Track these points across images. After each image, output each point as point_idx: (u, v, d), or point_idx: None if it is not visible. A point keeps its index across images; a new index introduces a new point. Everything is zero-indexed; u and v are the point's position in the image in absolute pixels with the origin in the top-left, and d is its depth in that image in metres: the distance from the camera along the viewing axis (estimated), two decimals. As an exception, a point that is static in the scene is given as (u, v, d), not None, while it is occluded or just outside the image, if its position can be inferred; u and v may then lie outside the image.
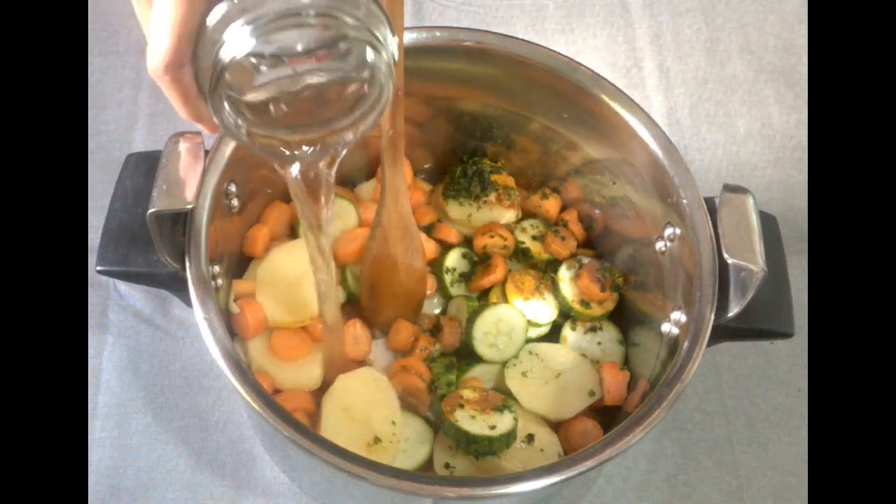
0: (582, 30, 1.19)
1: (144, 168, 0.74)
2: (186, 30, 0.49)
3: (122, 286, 0.97)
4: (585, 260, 0.92)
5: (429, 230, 0.93)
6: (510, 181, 0.96)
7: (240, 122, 0.53)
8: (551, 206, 0.95)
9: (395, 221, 0.82)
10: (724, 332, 0.74)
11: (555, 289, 0.90)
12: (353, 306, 0.89)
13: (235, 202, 0.80)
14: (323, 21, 0.49)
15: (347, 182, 0.96)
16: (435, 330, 0.89)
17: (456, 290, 0.91)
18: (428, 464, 0.81)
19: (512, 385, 0.84)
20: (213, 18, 0.49)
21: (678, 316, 0.77)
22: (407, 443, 0.80)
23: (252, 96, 0.52)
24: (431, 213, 0.94)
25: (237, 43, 0.49)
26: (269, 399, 0.66)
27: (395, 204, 0.80)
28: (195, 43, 0.50)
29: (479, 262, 0.92)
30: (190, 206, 0.70)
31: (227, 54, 0.49)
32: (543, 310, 0.89)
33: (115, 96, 1.10)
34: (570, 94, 0.83)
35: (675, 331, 0.77)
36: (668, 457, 0.93)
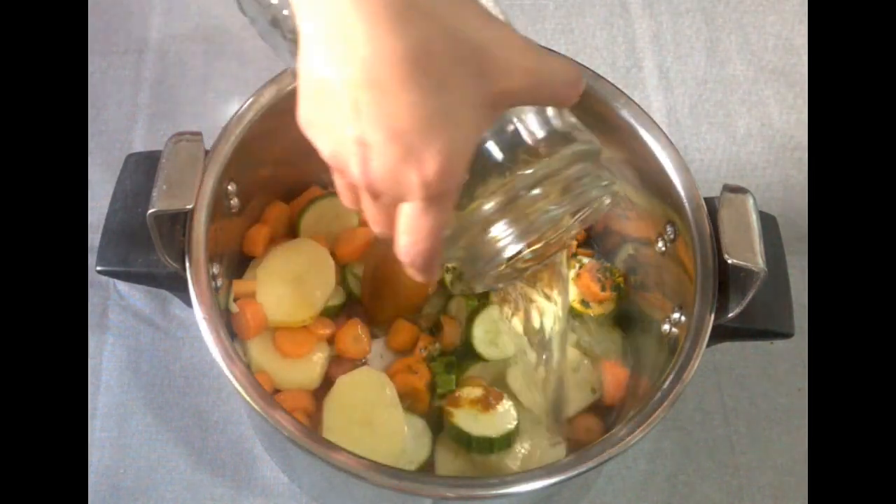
0: (582, 30, 1.19)
1: (144, 168, 0.74)
2: (443, 230, 0.51)
3: (122, 286, 0.97)
4: (585, 260, 0.92)
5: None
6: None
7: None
8: (551, 206, 0.95)
9: None
10: (724, 332, 0.74)
11: (555, 289, 0.90)
12: (353, 306, 0.89)
13: (235, 202, 0.80)
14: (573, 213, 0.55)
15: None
16: (435, 329, 0.89)
17: (456, 289, 0.91)
18: (428, 464, 0.81)
19: (513, 384, 0.84)
20: (476, 218, 0.54)
21: (678, 316, 0.77)
22: (407, 443, 0.80)
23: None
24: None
25: (507, 244, 0.54)
26: (270, 399, 0.66)
27: None
28: (450, 234, 0.54)
29: (479, 261, 0.92)
30: (190, 206, 0.70)
31: (500, 254, 0.55)
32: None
33: (115, 96, 1.10)
34: (570, 94, 0.83)
35: (675, 331, 0.77)
36: (668, 457, 0.93)
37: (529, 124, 0.55)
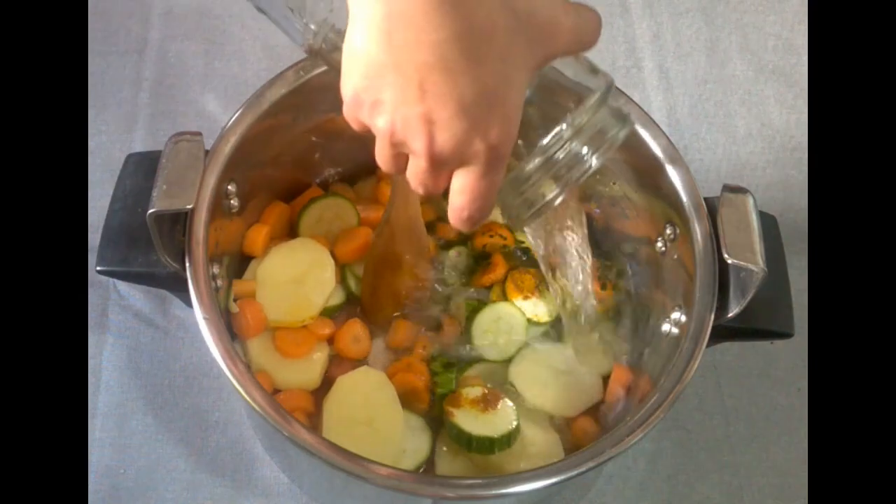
0: (582, 30, 1.19)
1: (144, 168, 0.74)
2: (497, 188, 0.56)
3: (122, 286, 0.97)
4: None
5: (429, 228, 0.93)
6: (510, 181, 0.96)
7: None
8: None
9: (403, 221, 0.82)
10: (724, 332, 0.74)
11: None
12: (352, 306, 0.89)
13: (235, 202, 0.80)
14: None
15: (347, 179, 0.96)
16: (434, 328, 0.89)
17: (455, 290, 0.91)
18: (428, 464, 0.81)
19: (516, 383, 0.84)
20: (520, 175, 0.59)
21: (678, 316, 0.77)
22: (407, 443, 0.80)
23: None
24: (430, 211, 0.94)
25: (549, 192, 0.61)
26: (270, 399, 0.66)
27: (404, 204, 0.80)
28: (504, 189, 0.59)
29: (480, 260, 0.92)
30: (190, 206, 0.70)
31: (545, 208, 0.62)
32: (544, 308, 0.89)
33: (115, 96, 1.10)
34: (570, 95, 0.83)
35: (675, 331, 0.77)
36: (668, 457, 0.93)
37: (559, 77, 0.59)
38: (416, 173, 0.55)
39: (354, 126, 0.56)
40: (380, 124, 0.52)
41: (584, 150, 0.59)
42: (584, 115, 0.58)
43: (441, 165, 0.53)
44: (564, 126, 0.57)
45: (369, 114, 0.52)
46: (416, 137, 0.51)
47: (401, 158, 0.56)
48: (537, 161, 0.58)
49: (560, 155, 0.58)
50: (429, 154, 0.51)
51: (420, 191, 0.57)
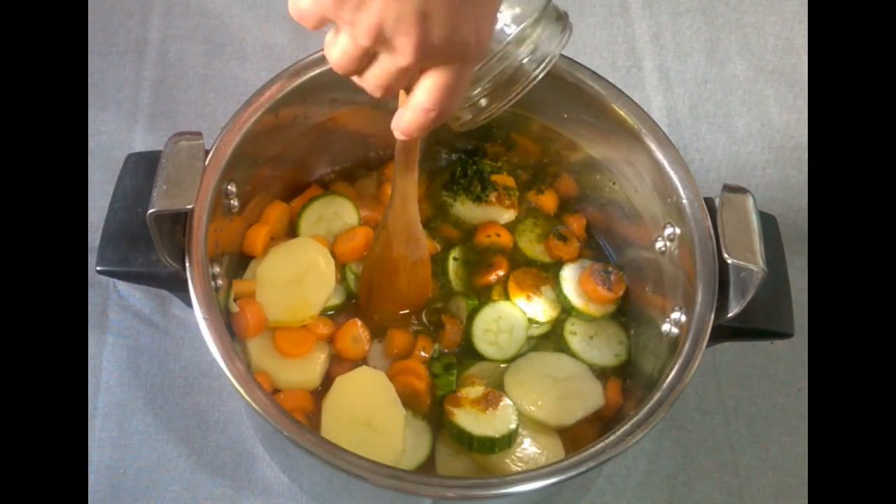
0: (582, 30, 1.19)
1: (144, 168, 0.74)
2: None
3: (122, 286, 0.97)
4: (587, 261, 0.92)
5: (430, 228, 0.93)
6: (510, 181, 0.96)
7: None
8: (547, 201, 0.96)
9: (400, 226, 0.82)
10: (724, 332, 0.74)
11: (556, 288, 0.90)
12: (353, 306, 0.89)
13: (235, 202, 0.81)
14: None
15: (347, 177, 0.96)
16: (435, 328, 0.89)
17: (456, 289, 0.91)
18: (428, 464, 0.81)
19: (512, 393, 0.83)
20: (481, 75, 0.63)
21: (678, 316, 0.77)
22: (407, 443, 0.80)
23: None
24: (429, 211, 0.95)
25: (497, 100, 0.65)
26: (270, 399, 0.66)
27: (402, 209, 0.80)
28: None
29: (480, 260, 0.92)
30: (190, 206, 0.70)
31: (496, 105, 0.66)
32: (544, 308, 0.89)
33: (115, 96, 1.10)
34: (570, 94, 0.83)
35: (675, 331, 0.77)
36: (668, 457, 0.93)
37: None
38: (385, 72, 0.54)
39: (310, 24, 0.54)
40: (363, 22, 0.51)
41: (530, 60, 0.63)
42: (530, 27, 0.61)
43: (423, 62, 0.53)
44: (506, 25, 0.60)
45: (352, 11, 0.51)
46: (409, 33, 0.50)
47: (365, 59, 0.55)
48: (492, 65, 0.61)
49: (506, 64, 0.62)
50: (417, 50, 0.51)
51: (377, 94, 0.56)
